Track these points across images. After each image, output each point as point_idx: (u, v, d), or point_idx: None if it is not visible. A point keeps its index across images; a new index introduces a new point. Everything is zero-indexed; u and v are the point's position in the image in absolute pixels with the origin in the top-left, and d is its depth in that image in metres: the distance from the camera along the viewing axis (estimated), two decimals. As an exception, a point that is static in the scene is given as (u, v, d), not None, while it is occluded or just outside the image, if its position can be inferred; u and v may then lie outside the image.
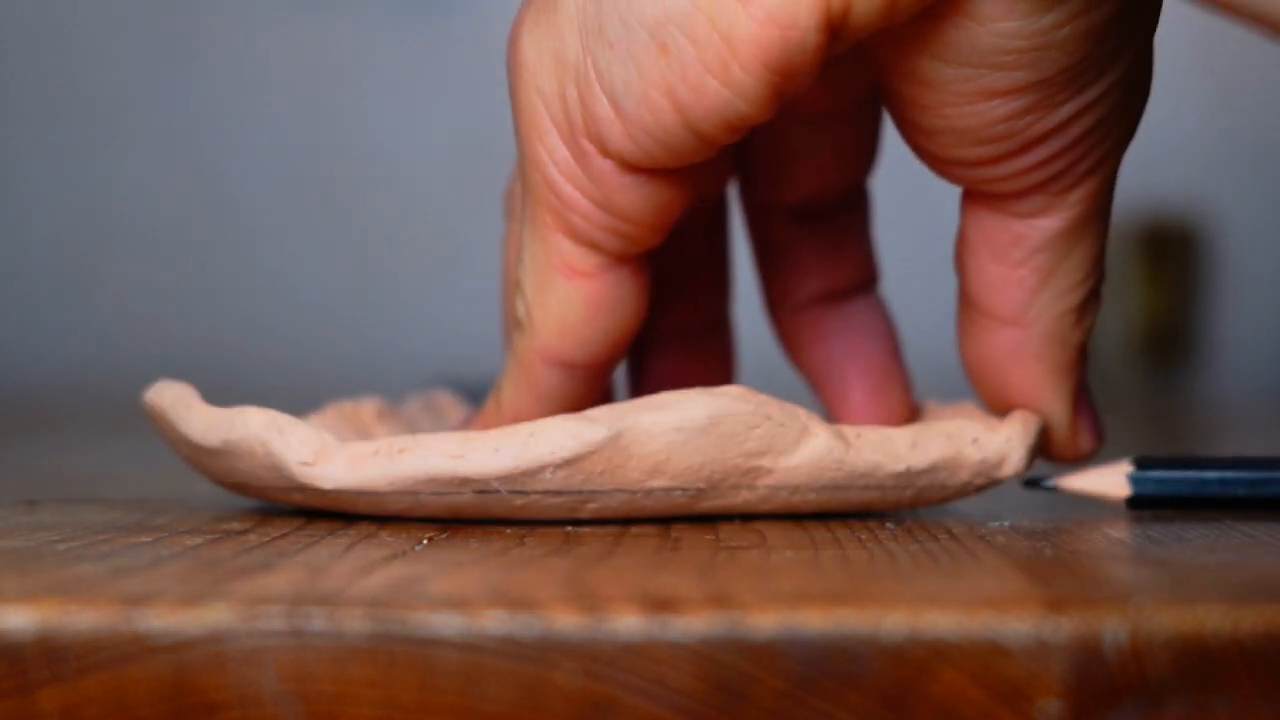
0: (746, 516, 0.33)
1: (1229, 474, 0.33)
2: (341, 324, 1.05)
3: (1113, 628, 0.23)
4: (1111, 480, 0.34)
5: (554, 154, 0.32)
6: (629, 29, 0.30)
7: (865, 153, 0.37)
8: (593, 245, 0.33)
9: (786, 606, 0.24)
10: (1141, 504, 0.34)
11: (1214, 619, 0.23)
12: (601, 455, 0.31)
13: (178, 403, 0.34)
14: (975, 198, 0.33)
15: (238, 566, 0.27)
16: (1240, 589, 0.25)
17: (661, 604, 0.24)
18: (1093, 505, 0.35)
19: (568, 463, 0.31)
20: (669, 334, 0.39)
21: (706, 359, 0.39)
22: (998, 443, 0.33)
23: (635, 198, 0.32)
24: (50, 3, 1.07)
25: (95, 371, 1.00)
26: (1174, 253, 0.99)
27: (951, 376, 0.38)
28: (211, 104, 1.07)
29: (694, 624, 0.23)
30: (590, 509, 0.32)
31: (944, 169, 0.33)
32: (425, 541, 0.30)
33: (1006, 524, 0.33)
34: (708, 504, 0.32)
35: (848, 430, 0.32)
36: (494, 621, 0.23)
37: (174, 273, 1.07)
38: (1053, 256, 0.33)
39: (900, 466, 0.32)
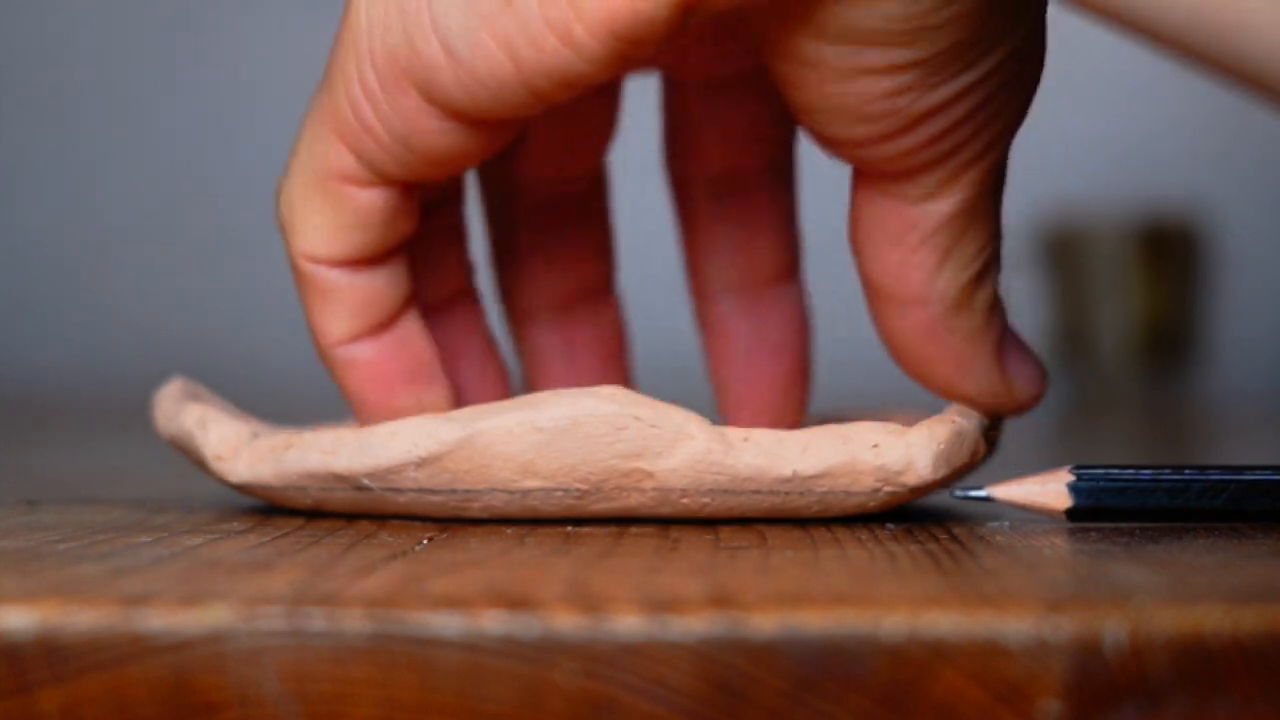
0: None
1: (1174, 483, 0.32)
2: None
3: (1113, 628, 0.23)
4: (1051, 491, 0.32)
5: (363, 76, 0.31)
6: None
7: (776, 124, 0.37)
8: (373, 167, 0.32)
9: (786, 606, 0.24)
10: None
11: (1214, 619, 0.23)
12: (461, 454, 0.31)
13: (164, 398, 0.35)
14: (866, 181, 0.33)
15: (238, 566, 0.27)
16: (1240, 589, 0.25)
17: (661, 604, 0.24)
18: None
19: (426, 461, 0.32)
20: (549, 306, 0.38)
21: (593, 330, 0.38)
22: (899, 449, 0.32)
23: (440, 141, 0.32)
24: (50, 3, 1.07)
25: (95, 371, 1.00)
26: (1174, 253, 0.99)
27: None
28: (211, 104, 1.07)
29: (694, 624, 0.23)
30: (476, 508, 0.32)
31: (831, 148, 0.32)
32: (425, 541, 0.30)
33: (1006, 524, 0.33)
34: (599, 506, 0.32)
35: (734, 433, 0.32)
36: (494, 621, 0.23)
37: (174, 273, 1.07)
38: (949, 236, 0.32)
39: (787, 471, 0.31)
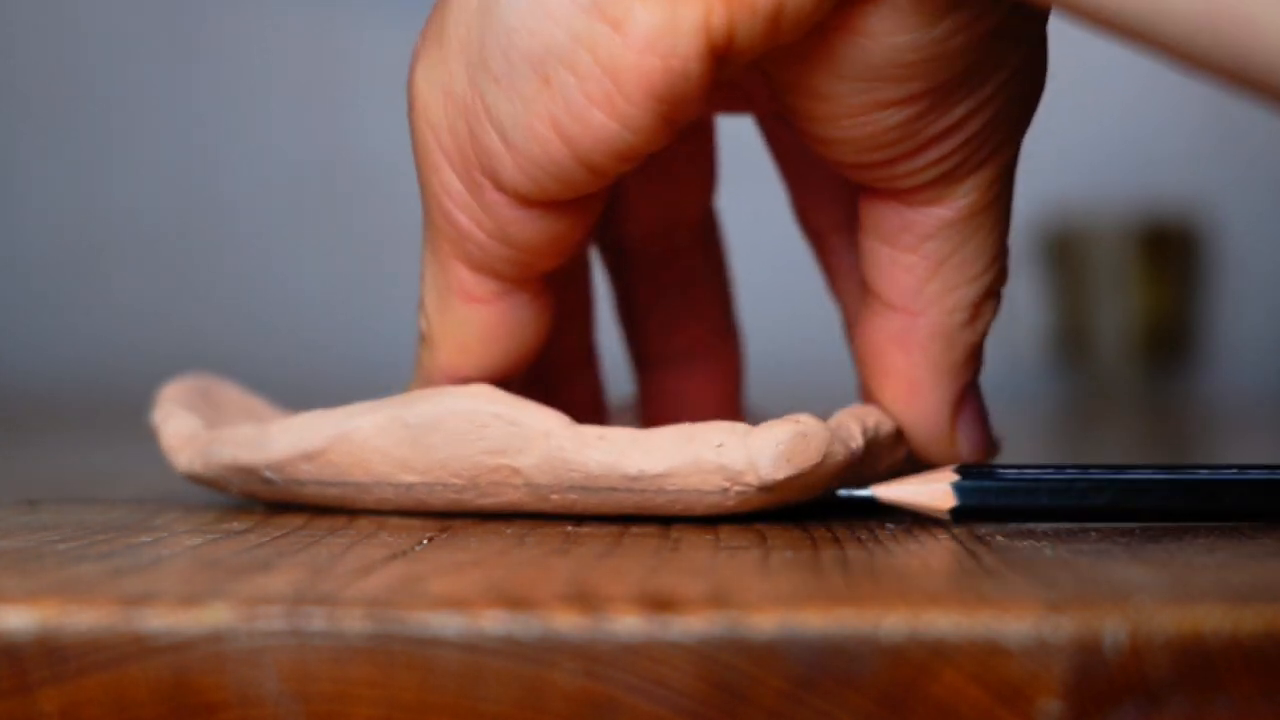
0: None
1: (1056, 482, 0.32)
2: (341, 323, 1.05)
3: (1113, 628, 0.23)
4: (935, 491, 0.32)
5: (448, 187, 0.32)
6: (511, 63, 0.30)
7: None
8: (489, 272, 0.33)
9: (786, 606, 0.24)
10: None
11: (1214, 619, 0.23)
12: (341, 449, 0.33)
13: (162, 394, 0.36)
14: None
15: (238, 566, 0.27)
16: (1240, 589, 0.25)
17: (661, 604, 0.24)
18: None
19: (311, 455, 0.33)
20: (669, 356, 0.39)
21: (708, 375, 0.39)
22: (740, 448, 0.31)
23: (530, 229, 0.32)
24: (51, 4, 1.07)
25: (95, 371, 1.00)
26: (1174, 253, 0.99)
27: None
28: (211, 104, 1.07)
29: (694, 624, 0.23)
30: (370, 500, 0.33)
31: (843, 171, 0.33)
32: (425, 541, 0.30)
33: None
34: (482, 501, 0.33)
35: (590, 431, 0.32)
36: (494, 621, 0.23)
37: (174, 273, 1.07)
38: (944, 245, 0.33)
39: (633, 470, 0.31)
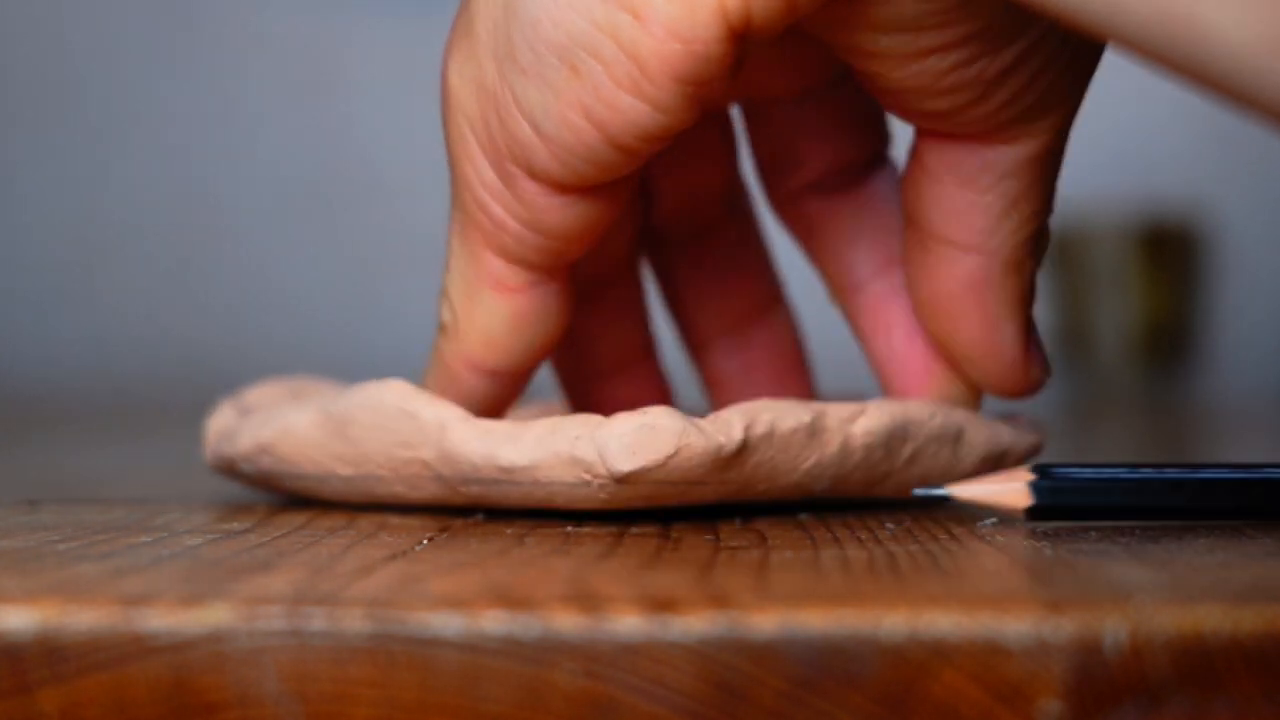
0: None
1: (1130, 481, 0.32)
2: (339, 324, 1.05)
3: (1113, 628, 0.23)
4: (1011, 490, 0.32)
5: (482, 176, 0.32)
6: (538, 54, 0.31)
7: (861, 123, 0.37)
8: (522, 262, 0.33)
9: (786, 606, 0.24)
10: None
11: (1214, 619, 0.23)
12: (289, 441, 0.34)
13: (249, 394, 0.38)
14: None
15: (238, 566, 0.27)
16: (1240, 589, 0.25)
17: (661, 604, 0.24)
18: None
19: (266, 449, 0.35)
20: (721, 331, 0.39)
21: (768, 348, 0.39)
22: (590, 441, 0.31)
23: (564, 216, 0.32)
24: (48, 5, 1.07)
25: (95, 371, 1.00)
26: (1174, 253, 0.99)
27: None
28: (209, 105, 1.07)
29: (694, 624, 0.23)
30: (327, 491, 0.34)
31: (924, 122, 0.33)
32: (425, 541, 0.30)
33: (994, 521, 0.33)
34: (415, 494, 0.34)
35: (481, 424, 0.32)
36: (494, 621, 0.23)
37: (173, 273, 1.07)
38: (1018, 183, 0.33)
39: (505, 462, 0.32)
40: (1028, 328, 0.35)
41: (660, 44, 0.30)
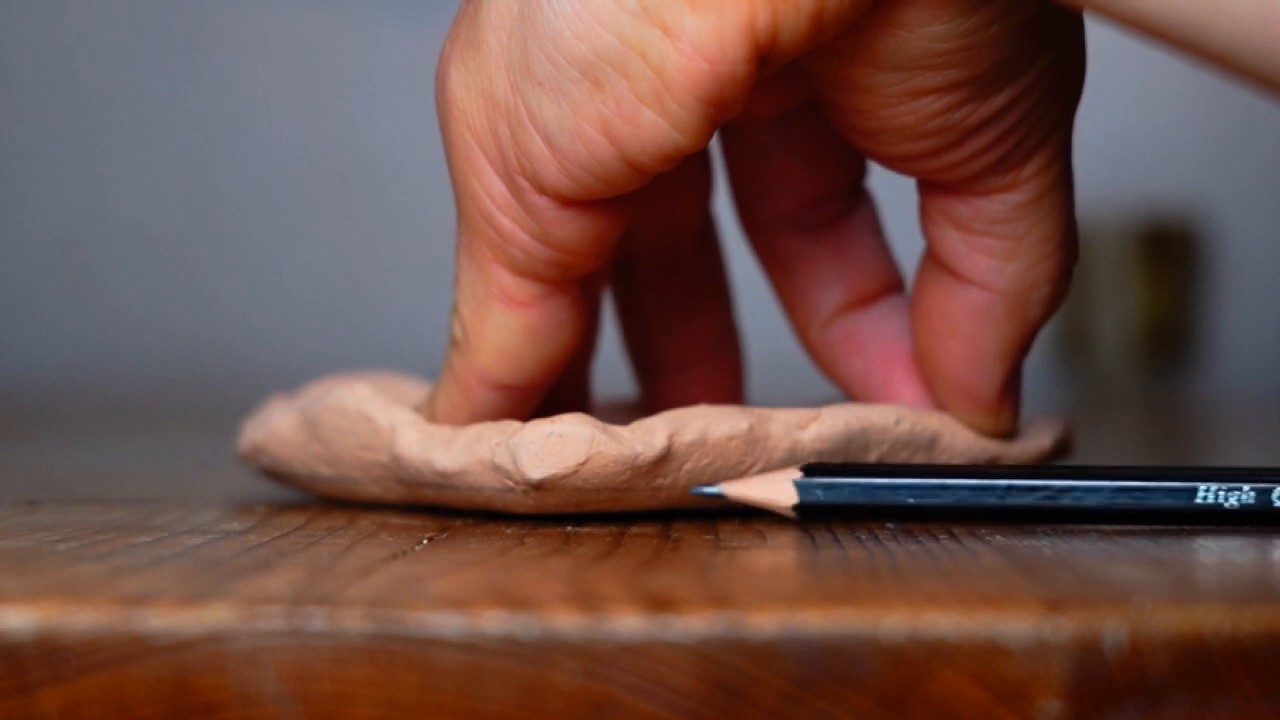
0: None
1: (899, 482, 0.32)
2: (341, 323, 1.05)
3: (1113, 628, 0.23)
4: (779, 488, 0.32)
5: (489, 189, 0.32)
6: (558, 67, 0.30)
7: (842, 149, 0.37)
8: (531, 275, 0.33)
9: (786, 606, 0.24)
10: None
11: (1214, 619, 0.23)
12: (280, 441, 0.35)
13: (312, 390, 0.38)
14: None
15: (238, 566, 0.27)
16: (1240, 589, 0.25)
17: (661, 604, 0.24)
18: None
19: (261, 448, 0.36)
20: (681, 360, 0.39)
21: (715, 374, 0.39)
22: (505, 448, 0.32)
23: (572, 230, 0.32)
24: (50, 5, 1.07)
25: (95, 371, 1.00)
26: (1174, 253, 0.99)
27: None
28: (210, 104, 1.07)
29: (694, 624, 0.23)
30: (322, 488, 0.35)
31: (890, 164, 0.33)
32: (425, 541, 0.30)
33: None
34: (392, 495, 0.34)
35: (425, 429, 0.33)
36: (494, 621, 0.23)
37: (174, 273, 1.07)
38: (1018, 227, 0.33)
39: (442, 466, 0.32)
40: (1013, 374, 0.35)
41: (689, 62, 0.30)
